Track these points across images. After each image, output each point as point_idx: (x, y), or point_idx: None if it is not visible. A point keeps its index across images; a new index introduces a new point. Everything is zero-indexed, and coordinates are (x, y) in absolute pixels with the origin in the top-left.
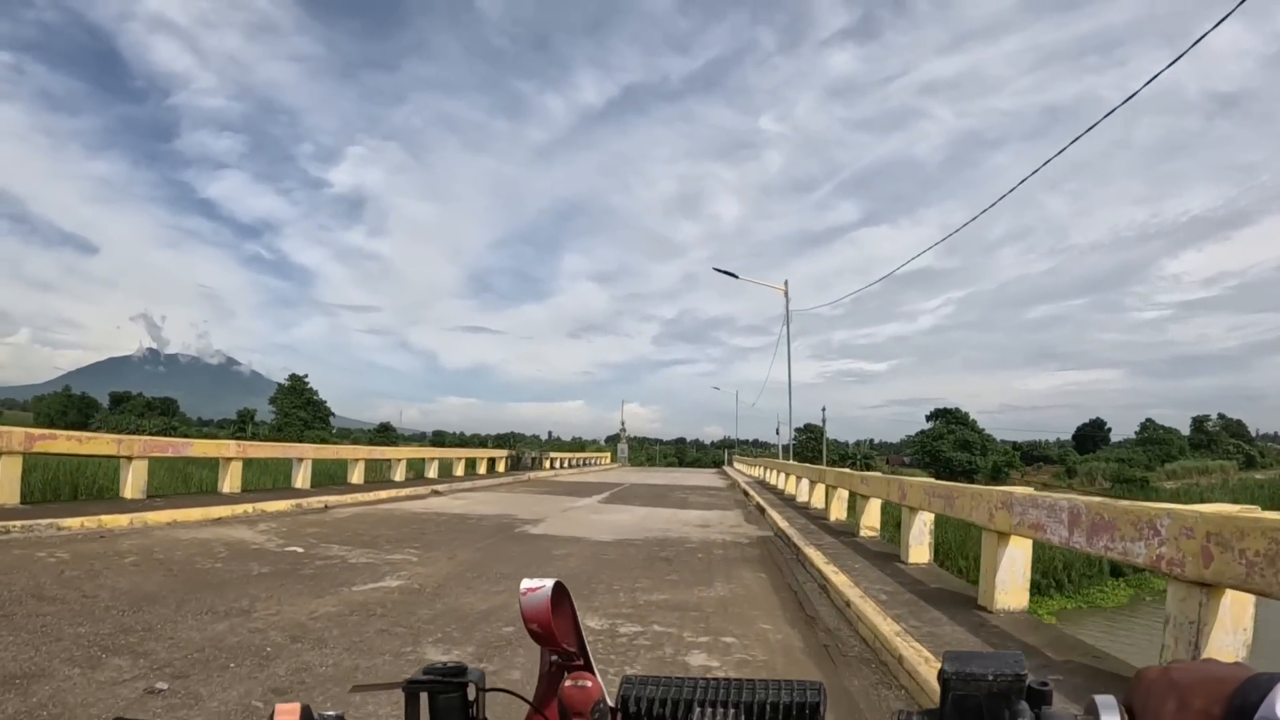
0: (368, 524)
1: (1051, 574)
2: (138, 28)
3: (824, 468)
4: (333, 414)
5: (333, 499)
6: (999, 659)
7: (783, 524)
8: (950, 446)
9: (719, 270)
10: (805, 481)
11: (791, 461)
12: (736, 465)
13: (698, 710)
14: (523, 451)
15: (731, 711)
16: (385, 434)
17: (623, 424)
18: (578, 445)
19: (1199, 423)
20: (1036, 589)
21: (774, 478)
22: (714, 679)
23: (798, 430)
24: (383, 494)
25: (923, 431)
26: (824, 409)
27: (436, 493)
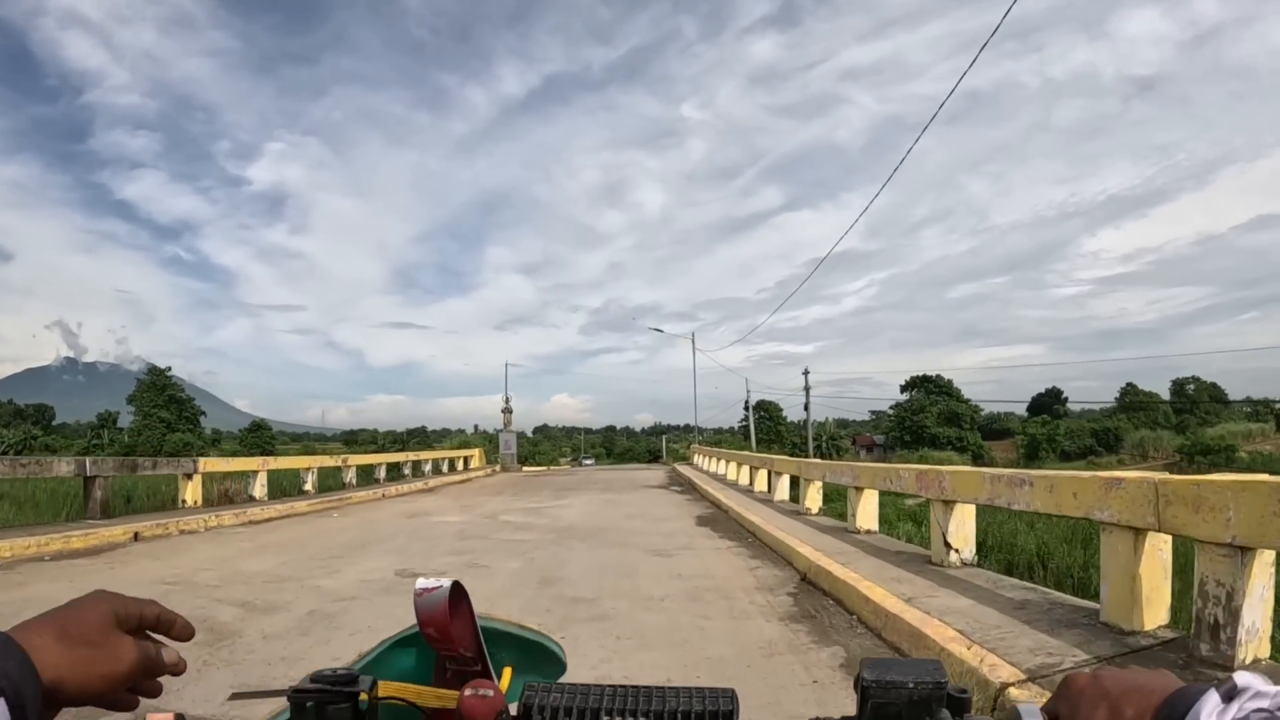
0: None
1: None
2: (50, 24)
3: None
4: (203, 414)
5: None
6: (918, 666)
7: None
8: (934, 420)
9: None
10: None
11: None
12: (699, 460)
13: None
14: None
15: None
16: (257, 434)
17: (507, 401)
18: (423, 442)
19: (1179, 386)
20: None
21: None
22: (623, 686)
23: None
24: None
25: (899, 405)
26: (806, 372)
27: None
